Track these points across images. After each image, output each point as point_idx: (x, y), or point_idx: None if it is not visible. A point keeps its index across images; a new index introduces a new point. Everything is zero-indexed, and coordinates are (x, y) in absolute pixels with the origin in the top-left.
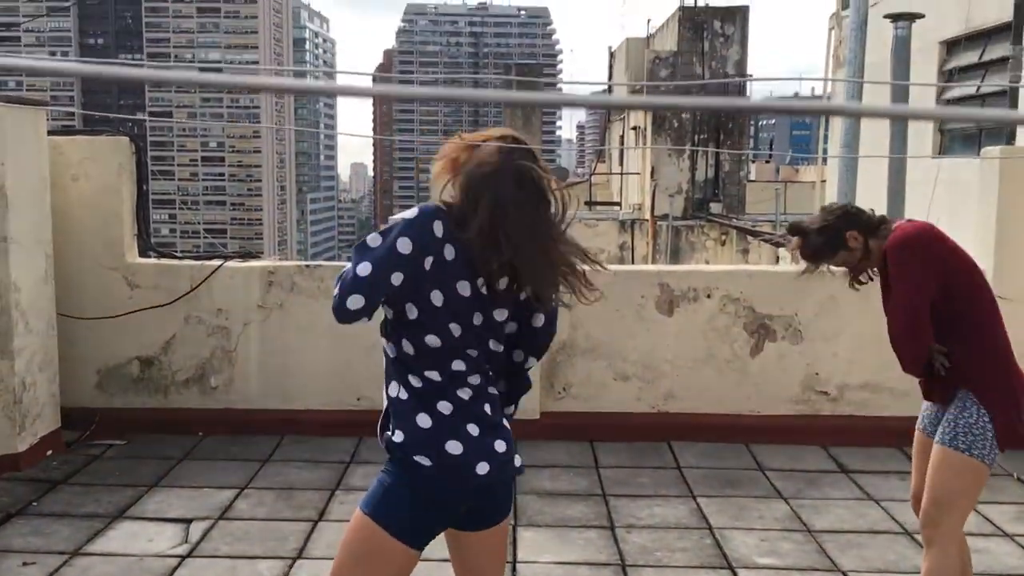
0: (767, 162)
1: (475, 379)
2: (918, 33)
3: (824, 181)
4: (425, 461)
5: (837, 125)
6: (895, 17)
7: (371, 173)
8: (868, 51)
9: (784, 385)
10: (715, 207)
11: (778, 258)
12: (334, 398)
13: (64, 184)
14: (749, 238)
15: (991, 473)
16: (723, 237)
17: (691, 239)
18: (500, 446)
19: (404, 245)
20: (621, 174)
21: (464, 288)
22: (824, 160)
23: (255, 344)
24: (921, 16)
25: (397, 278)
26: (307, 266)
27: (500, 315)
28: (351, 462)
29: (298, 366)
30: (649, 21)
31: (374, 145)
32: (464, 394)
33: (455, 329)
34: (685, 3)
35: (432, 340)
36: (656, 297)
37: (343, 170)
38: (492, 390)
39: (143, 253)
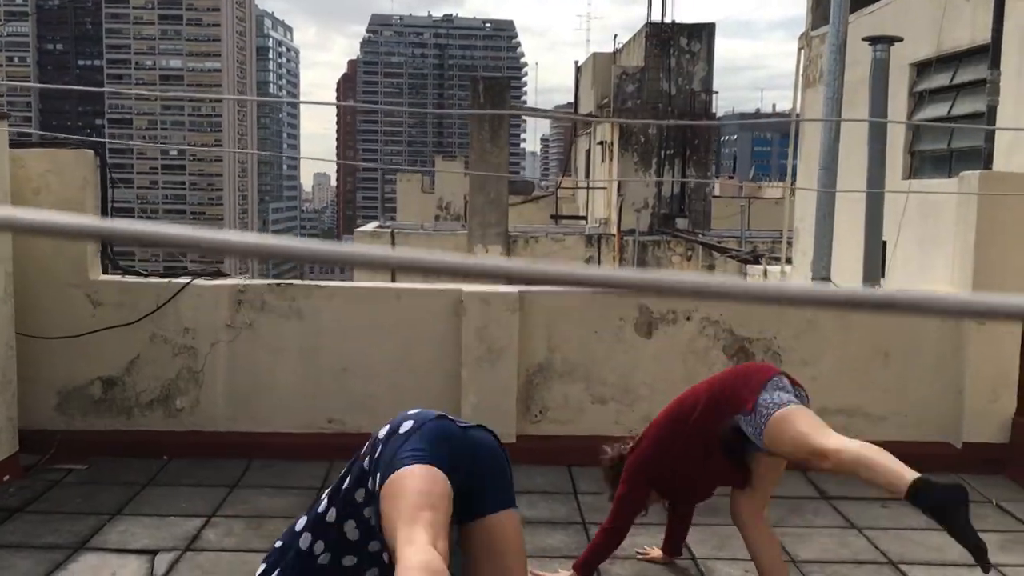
0: (730, 177)
1: None
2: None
3: (793, 195)
4: None
5: (815, 147)
6: (874, 40)
7: (334, 183)
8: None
9: None
10: (681, 222)
11: (745, 275)
12: (304, 421)
13: (25, 198)
14: (715, 254)
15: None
16: (689, 252)
17: (657, 254)
18: None
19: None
20: (588, 188)
21: None
22: (792, 185)
23: (223, 365)
24: (899, 39)
25: None
26: (278, 284)
27: None
28: (322, 487)
29: (267, 388)
30: (616, 36)
31: (338, 154)
32: None
33: None
34: (652, 19)
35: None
36: (635, 319)
37: (306, 180)
38: None
39: (106, 270)
